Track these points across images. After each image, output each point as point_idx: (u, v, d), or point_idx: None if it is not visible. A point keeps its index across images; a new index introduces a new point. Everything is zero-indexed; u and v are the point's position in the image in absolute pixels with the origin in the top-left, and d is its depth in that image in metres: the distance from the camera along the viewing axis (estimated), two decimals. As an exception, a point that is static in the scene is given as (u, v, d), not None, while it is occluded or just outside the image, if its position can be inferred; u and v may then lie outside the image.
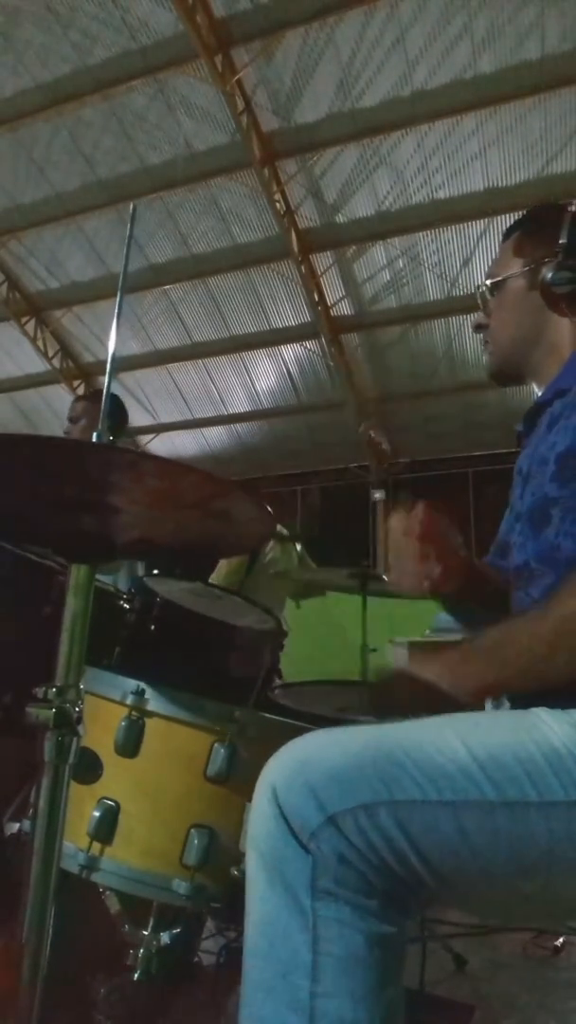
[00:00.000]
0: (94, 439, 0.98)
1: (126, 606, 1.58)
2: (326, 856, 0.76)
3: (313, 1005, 0.73)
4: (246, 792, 0.85)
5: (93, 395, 3.52)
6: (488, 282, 1.19)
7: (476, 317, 1.23)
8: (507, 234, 1.21)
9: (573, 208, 1.13)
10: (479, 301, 1.22)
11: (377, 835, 0.76)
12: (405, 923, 0.79)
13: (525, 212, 1.22)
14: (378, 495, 11.46)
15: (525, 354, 1.15)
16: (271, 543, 3.43)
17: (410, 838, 0.76)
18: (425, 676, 0.88)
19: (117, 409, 3.32)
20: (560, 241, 1.10)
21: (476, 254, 8.37)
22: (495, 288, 1.18)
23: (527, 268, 1.13)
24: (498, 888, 0.79)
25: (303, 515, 11.29)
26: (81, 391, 11.69)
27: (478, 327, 1.22)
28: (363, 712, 1.72)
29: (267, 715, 1.38)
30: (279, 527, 3.53)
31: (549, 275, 1.09)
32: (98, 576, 0.98)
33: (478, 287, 1.21)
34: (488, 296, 1.19)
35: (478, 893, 0.80)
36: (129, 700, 1.24)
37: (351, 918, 0.75)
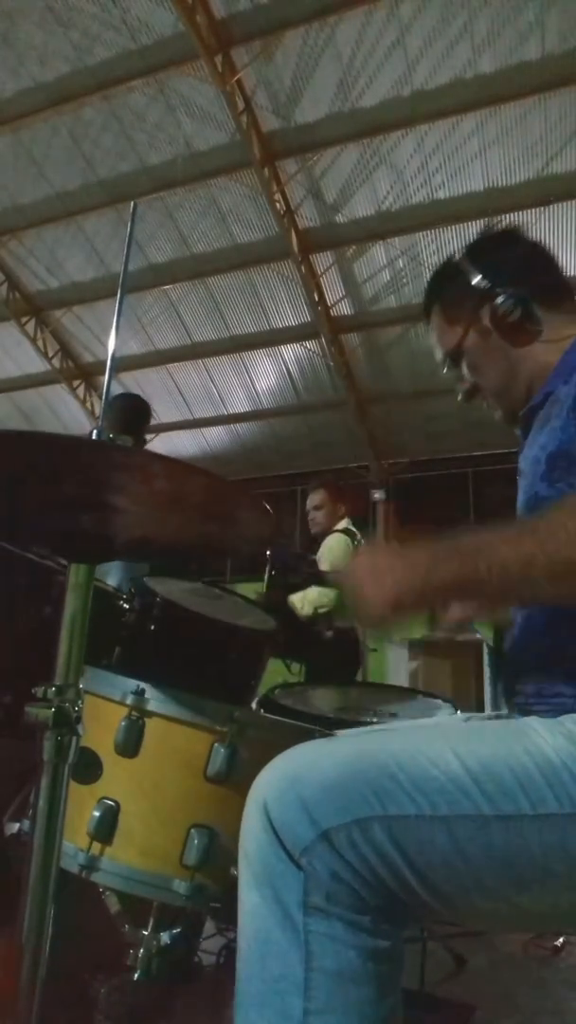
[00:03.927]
0: (93, 437, 0.97)
1: (126, 606, 1.58)
2: (318, 872, 0.75)
3: (306, 1022, 0.73)
4: (246, 792, 0.84)
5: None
6: (448, 360, 1.19)
7: (460, 390, 1.22)
8: (427, 313, 1.22)
9: (466, 252, 1.15)
10: (454, 379, 1.21)
11: (371, 850, 0.75)
12: (399, 937, 0.78)
13: (426, 289, 1.22)
14: (378, 495, 11.45)
15: (520, 388, 1.13)
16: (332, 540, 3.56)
17: (404, 853, 0.75)
18: (394, 567, 0.82)
19: (138, 408, 3.35)
20: (474, 284, 1.11)
21: (476, 254, 8.36)
22: (458, 358, 1.18)
23: (469, 325, 1.13)
24: (493, 900, 0.78)
25: (304, 515, 11.26)
26: (81, 391, 11.70)
27: (469, 396, 1.21)
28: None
29: (267, 715, 1.38)
30: (348, 524, 3.67)
31: (498, 312, 1.09)
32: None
33: (445, 362, 1.20)
34: (458, 369, 1.20)
35: (473, 906, 0.80)
36: (129, 700, 1.24)
37: (343, 934, 0.74)
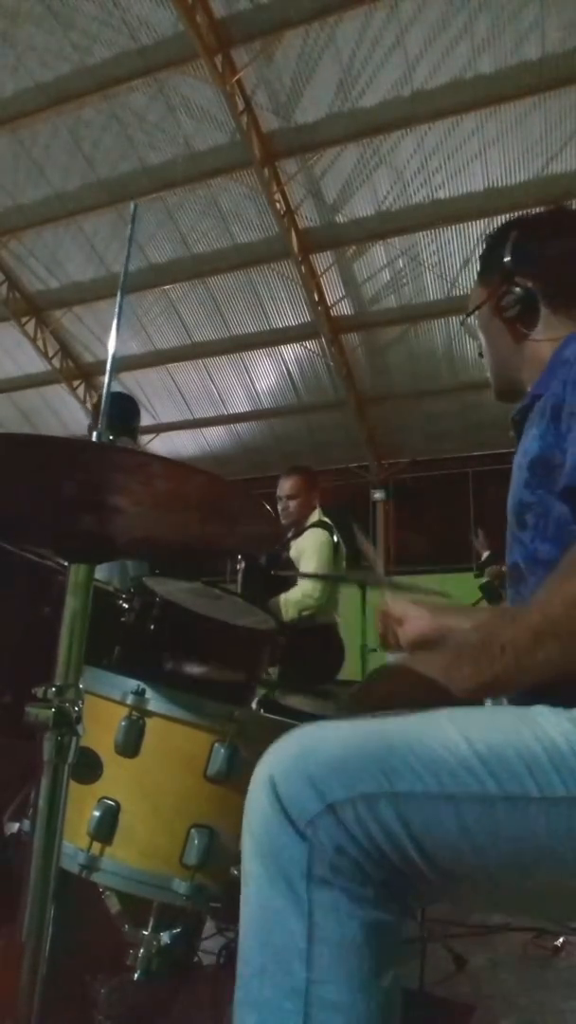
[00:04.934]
0: (94, 438, 0.97)
1: (126, 606, 1.58)
2: (323, 844, 0.76)
3: (308, 991, 0.73)
4: (246, 792, 0.85)
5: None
6: (465, 316, 1.24)
7: (477, 345, 1.27)
8: (479, 262, 1.25)
9: (518, 226, 1.16)
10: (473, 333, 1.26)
11: (376, 826, 0.76)
12: (402, 912, 0.79)
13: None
14: (378, 495, 11.45)
15: (512, 374, 1.17)
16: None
17: (410, 830, 0.76)
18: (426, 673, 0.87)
19: (127, 406, 3.32)
20: (504, 260, 1.13)
21: (476, 254, 8.32)
22: (474, 318, 1.22)
23: (487, 297, 1.17)
24: (496, 883, 0.79)
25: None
26: (81, 391, 11.70)
27: (481, 354, 1.26)
28: (343, 710, 1.72)
29: (267, 715, 1.38)
30: (320, 515, 3.52)
31: (502, 301, 1.13)
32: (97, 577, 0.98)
33: (462, 321, 1.26)
34: (474, 326, 1.24)
35: (476, 887, 0.80)
36: (129, 700, 1.24)
37: (347, 905, 0.75)
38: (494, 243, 1.19)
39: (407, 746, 0.79)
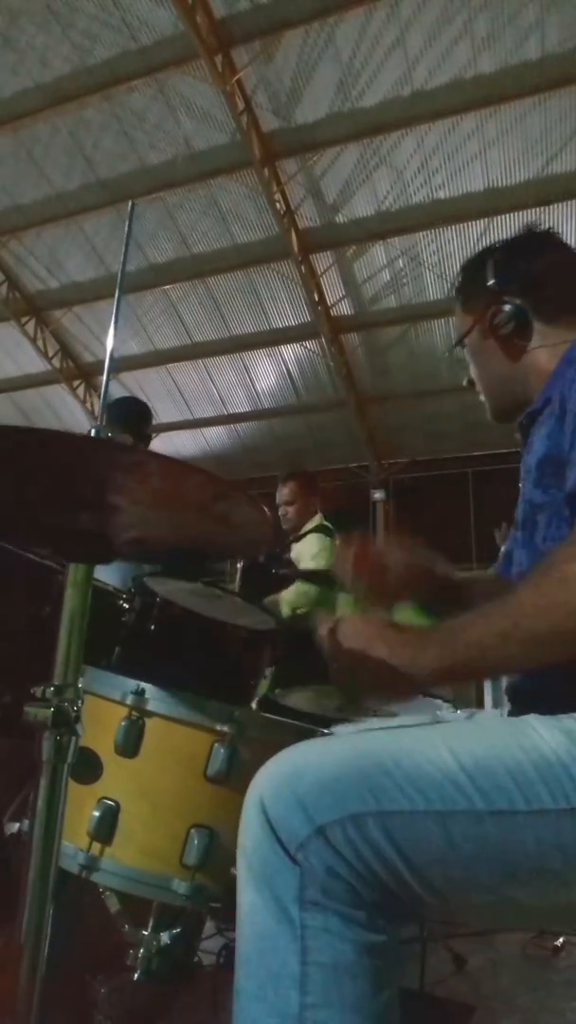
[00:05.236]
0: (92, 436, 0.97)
1: (126, 606, 1.58)
2: (314, 867, 0.75)
3: (303, 1016, 0.73)
4: (246, 792, 0.84)
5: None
6: (454, 345, 1.26)
7: (463, 376, 1.28)
8: (455, 294, 1.27)
9: (497, 248, 1.19)
10: (463, 363, 1.27)
11: (365, 846, 0.76)
12: (395, 932, 0.78)
13: (459, 271, 1.26)
14: (378, 495, 11.45)
15: (511, 391, 1.18)
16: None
17: (398, 848, 0.76)
18: (377, 654, 0.84)
19: (142, 412, 3.30)
20: (489, 284, 1.15)
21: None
22: (463, 347, 1.24)
23: (475, 322, 1.18)
24: (487, 896, 0.79)
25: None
26: (81, 391, 11.69)
27: (471, 383, 1.27)
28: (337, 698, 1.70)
29: (267, 715, 1.38)
30: (321, 519, 3.47)
31: (495, 320, 1.14)
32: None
33: (448, 351, 1.29)
34: (463, 355, 1.25)
35: (467, 901, 0.80)
36: (129, 700, 1.24)
37: (339, 928, 0.75)
38: (471, 271, 1.21)
39: (394, 763, 0.79)
